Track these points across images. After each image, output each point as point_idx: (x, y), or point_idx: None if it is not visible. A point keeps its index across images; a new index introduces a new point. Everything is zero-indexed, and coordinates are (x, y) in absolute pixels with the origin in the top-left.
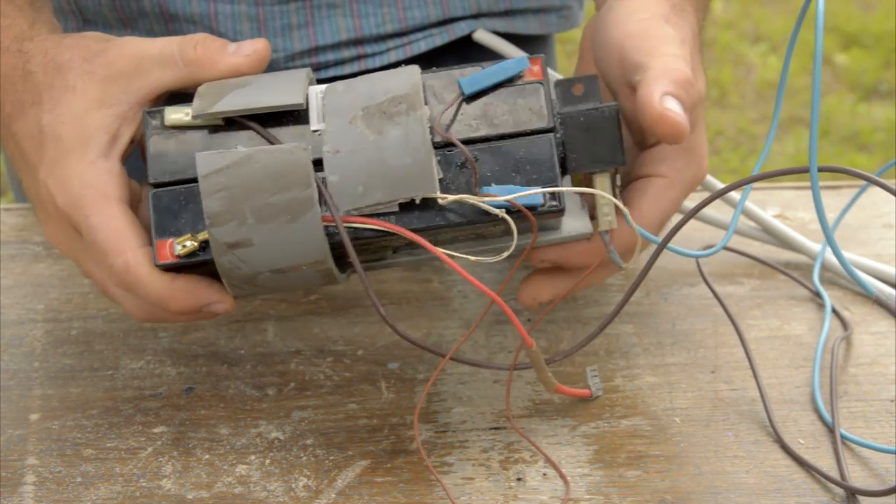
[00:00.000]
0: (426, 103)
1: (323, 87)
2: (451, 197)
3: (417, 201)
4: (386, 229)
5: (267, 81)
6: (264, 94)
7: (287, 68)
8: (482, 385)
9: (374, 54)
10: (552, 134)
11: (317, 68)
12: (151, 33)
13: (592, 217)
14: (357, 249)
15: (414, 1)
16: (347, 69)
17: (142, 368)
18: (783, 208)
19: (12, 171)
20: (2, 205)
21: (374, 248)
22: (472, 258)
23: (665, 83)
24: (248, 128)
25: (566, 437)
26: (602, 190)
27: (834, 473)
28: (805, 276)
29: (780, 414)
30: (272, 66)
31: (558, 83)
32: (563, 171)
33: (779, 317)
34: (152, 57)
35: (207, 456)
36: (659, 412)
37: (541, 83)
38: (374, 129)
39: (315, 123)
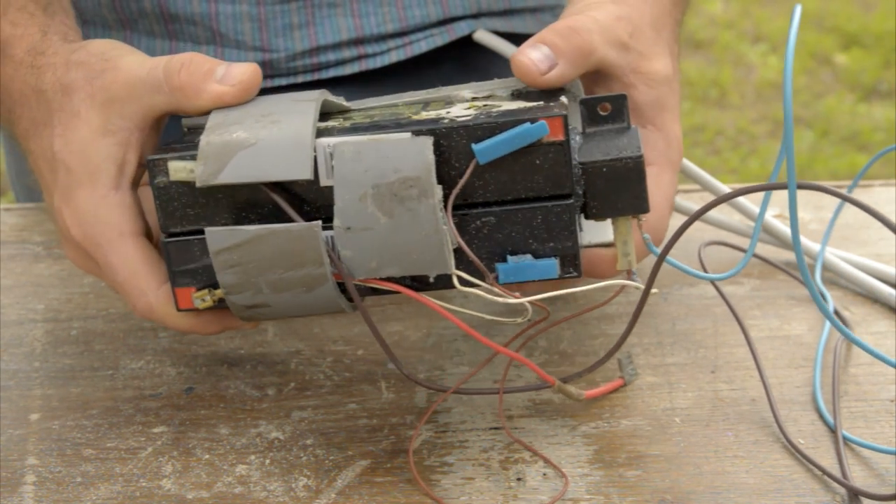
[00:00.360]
0: (439, 170)
1: (332, 142)
2: (465, 288)
3: (432, 279)
4: (399, 292)
5: (272, 137)
6: (271, 163)
7: (288, 68)
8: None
9: (374, 54)
10: (573, 199)
11: (317, 68)
12: (151, 34)
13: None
14: (367, 292)
15: (414, 0)
16: (348, 69)
17: (142, 368)
18: (783, 208)
19: (17, 171)
20: (2, 205)
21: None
22: (488, 317)
23: (542, 35)
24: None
25: (566, 437)
26: (623, 230)
27: (835, 474)
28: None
29: (780, 414)
30: (273, 67)
31: (583, 101)
32: (584, 216)
33: (779, 317)
34: (142, 82)
35: (207, 456)
36: (659, 412)
37: (562, 144)
38: (386, 212)
39: (324, 181)
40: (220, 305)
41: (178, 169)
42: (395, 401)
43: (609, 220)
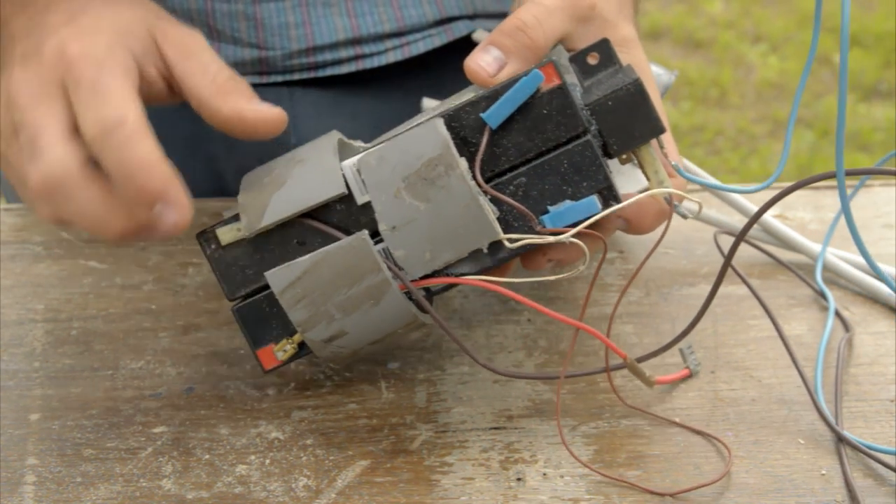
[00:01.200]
0: (459, 153)
1: (355, 160)
2: (517, 243)
3: (485, 250)
4: (457, 283)
5: (300, 174)
6: (305, 191)
7: (285, 66)
8: (482, 385)
9: (371, 54)
10: (589, 136)
11: (314, 67)
12: None
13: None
14: (432, 293)
15: (410, 0)
16: (345, 68)
17: (142, 368)
18: (783, 208)
19: None
20: (2, 205)
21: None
22: (552, 277)
23: (491, 37)
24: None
25: (566, 436)
26: (648, 159)
27: (835, 473)
28: (806, 276)
29: (780, 414)
30: (269, 64)
31: (573, 59)
32: (608, 156)
33: (779, 317)
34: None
35: (207, 456)
36: (659, 412)
37: (561, 88)
38: (422, 198)
39: (360, 198)
40: (303, 352)
41: (226, 232)
42: (395, 401)
43: (638, 170)
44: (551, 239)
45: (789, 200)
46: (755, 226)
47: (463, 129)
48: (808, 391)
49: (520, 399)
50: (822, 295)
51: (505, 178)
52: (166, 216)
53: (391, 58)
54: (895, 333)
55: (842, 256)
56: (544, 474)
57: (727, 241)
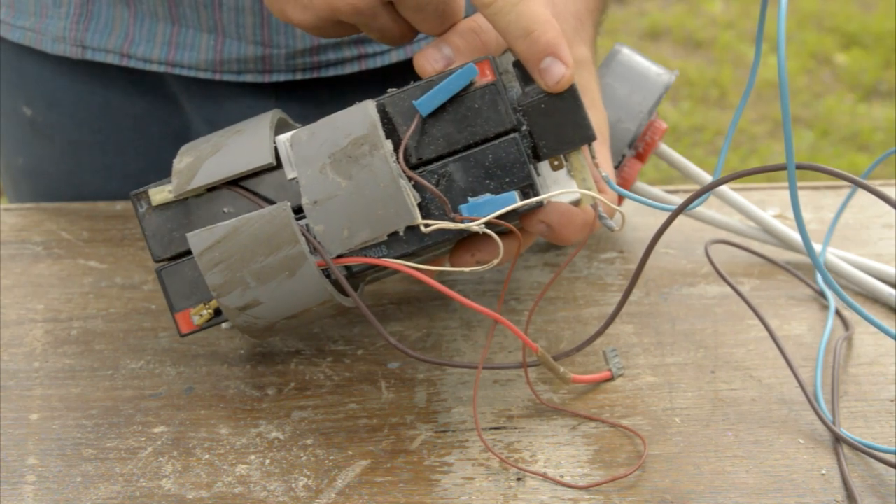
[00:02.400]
0: (389, 138)
1: (289, 135)
2: (432, 227)
3: (402, 233)
4: (377, 264)
5: (235, 142)
6: (235, 159)
7: (288, 65)
8: (482, 385)
9: (374, 54)
10: (517, 133)
11: (317, 67)
12: (154, 16)
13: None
14: (355, 277)
15: None
16: (348, 68)
17: (142, 368)
18: (783, 208)
19: None
20: (2, 205)
21: (371, 274)
22: (468, 269)
23: (446, 35)
24: (230, 189)
25: (566, 436)
26: (578, 166)
27: (834, 473)
28: (806, 276)
29: (779, 414)
30: (273, 62)
31: (515, 63)
32: (537, 158)
33: (779, 317)
34: None
35: (207, 456)
36: (659, 412)
37: (494, 84)
38: (344, 175)
39: (290, 172)
40: (217, 318)
41: (158, 192)
42: (395, 401)
43: (572, 179)
44: (463, 226)
45: (789, 200)
46: (755, 226)
47: (395, 115)
48: (804, 392)
49: (520, 399)
50: (822, 295)
51: (431, 166)
52: (555, 70)
53: (394, 58)
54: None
55: (842, 256)
56: (544, 474)
57: (719, 250)
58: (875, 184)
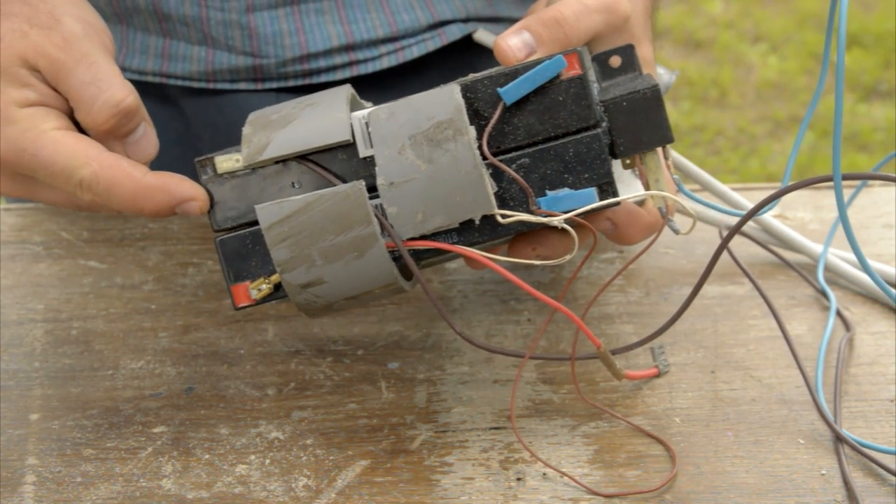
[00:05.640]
0: (470, 123)
1: (365, 112)
2: (510, 219)
3: (477, 222)
4: (448, 249)
5: (309, 115)
6: (311, 132)
7: (279, 73)
8: (482, 385)
9: (365, 60)
10: (599, 130)
11: (308, 74)
12: (146, 31)
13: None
14: (421, 262)
15: (402, 5)
16: (339, 75)
17: (142, 368)
18: (783, 208)
19: None
20: (2, 205)
21: (432, 257)
22: (538, 263)
23: (527, 21)
24: (301, 163)
25: (566, 436)
26: (652, 167)
27: (835, 473)
28: (808, 275)
29: (780, 414)
30: (264, 72)
31: (595, 58)
32: (613, 156)
33: (779, 317)
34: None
35: (207, 456)
36: (659, 412)
37: (581, 79)
38: (424, 159)
39: (363, 151)
40: (278, 294)
41: (224, 161)
42: (395, 401)
43: (638, 179)
44: (544, 220)
45: (789, 201)
46: (756, 226)
47: (478, 101)
48: (809, 390)
49: (520, 399)
50: (824, 294)
51: (509, 156)
52: (188, 209)
53: (385, 63)
54: (895, 333)
55: (842, 256)
56: (544, 474)
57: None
58: (875, 184)
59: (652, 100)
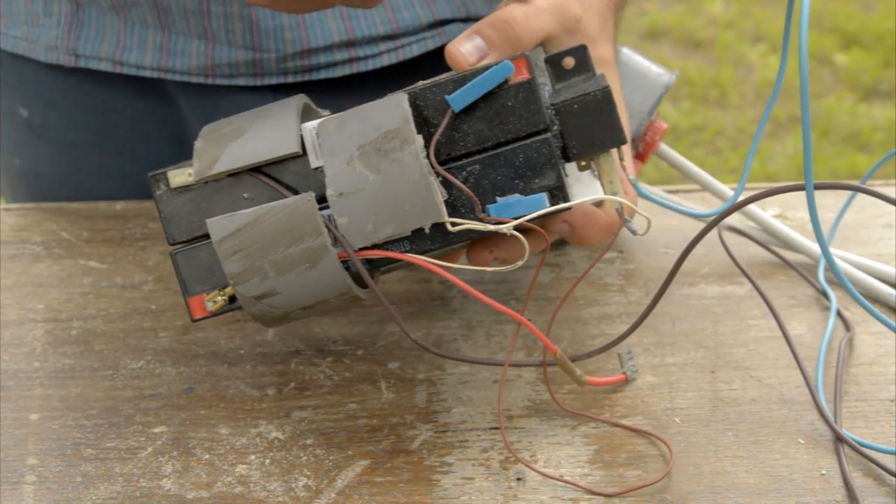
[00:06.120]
0: (418, 131)
1: (315, 123)
2: (459, 227)
3: (427, 230)
4: (399, 259)
5: (260, 127)
6: (260, 145)
7: (279, 69)
8: (482, 385)
9: (366, 57)
10: (549, 135)
11: (308, 70)
12: (144, 24)
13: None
14: (373, 268)
15: (403, 3)
16: (339, 72)
17: (142, 368)
18: (783, 208)
19: None
20: (2, 205)
21: (387, 265)
22: (490, 269)
23: (478, 26)
24: (252, 175)
25: (566, 436)
26: (606, 168)
27: (835, 473)
28: (808, 275)
29: (780, 414)
30: (263, 66)
31: (548, 59)
32: (567, 159)
33: (779, 317)
34: None
35: (207, 456)
36: (659, 412)
37: (529, 83)
38: (373, 169)
39: (314, 161)
40: (233, 305)
41: (177, 175)
42: (395, 401)
43: (596, 180)
44: (492, 227)
45: (789, 200)
46: (756, 226)
47: (426, 108)
48: (810, 390)
49: (520, 399)
50: (825, 294)
51: (459, 163)
52: None
53: (385, 60)
54: (895, 333)
55: (842, 256)
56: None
57: (717, 250)
58: (875, 184)
59: (603, 101)
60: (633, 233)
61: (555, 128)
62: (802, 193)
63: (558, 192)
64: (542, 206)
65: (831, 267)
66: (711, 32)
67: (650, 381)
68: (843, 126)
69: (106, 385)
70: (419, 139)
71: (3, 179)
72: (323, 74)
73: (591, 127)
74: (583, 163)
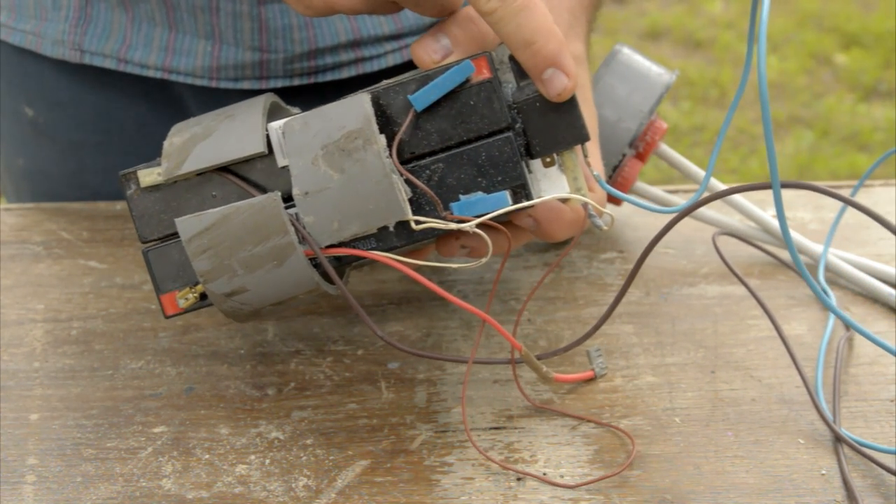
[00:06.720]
0: (382, 131)
1: (281, 123)
2: (422, 225)
3: (391, 228)
4: (365, 257)
5: (226, 127)
6: (227, 145)
7: (286, 70)
8: (482, 385)
9: (371, 57)
10: (511, 133)
11: (315, 72)
12: (152, 21)
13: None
14: (342, 264)
15: None
16: (345, 73)
17: (142, 368)
18: (784, 208)
19: None
20: (2, 205)
21: (357, 260)
22: (455, 266)
23: (442, 24)
24: (220, 174)
25: (566, 436)
26: (570, 165)
27: (834, 473)
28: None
29: (780, 414)
30: (270, 68)
31: (511, 58)
32: (531, 156)
33: (779, 317)
34: None
35: (207, 456)
36: (659, 412)
37: (490, 82)
38: (337, 168)
39: (280, 160)
40: (205, 302)
41: (147, 174)
42: (395, 401)
43: (563, 175)
44: (454, 226)
45: (789, 200)
46: (756, 226)
47: (390, 108)
48: (808, 390)
49: (520, 399)
50: (825, 293)
51: (423, 161)
52: (556, 81)
53: (390, 61)
54: (895, 333)
55: (842, 256)
56: (544, 474)
57: (725, 242)
58: (875, 184)
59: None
60: (599, 228)
61: (517, 125)
62: (803, 193)
63: (521, 190)
64: (504, 203)
65: (793, 257)
66: (711, 32)
67: (650, 381)
68: (843, 126)
69: (106, 385)
70: (381, 139)
71: (6, 179)
72: (329, 76)
73: (553, 124)
74: (547, 159)
